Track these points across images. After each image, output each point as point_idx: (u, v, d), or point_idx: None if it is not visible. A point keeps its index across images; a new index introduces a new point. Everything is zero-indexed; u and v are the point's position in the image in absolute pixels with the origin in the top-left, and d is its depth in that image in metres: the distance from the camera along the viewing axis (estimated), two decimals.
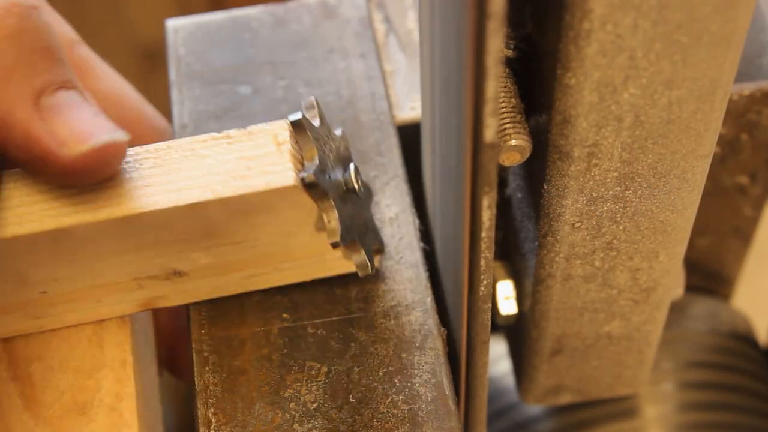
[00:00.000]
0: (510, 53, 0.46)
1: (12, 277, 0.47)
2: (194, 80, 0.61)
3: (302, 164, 0.48)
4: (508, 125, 0.44)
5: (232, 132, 0.48)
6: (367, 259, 0.50)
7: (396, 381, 0.50)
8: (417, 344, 0.51)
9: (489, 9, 0.34)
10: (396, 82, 0.62)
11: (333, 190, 0.48)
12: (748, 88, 0.60)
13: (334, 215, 0.48)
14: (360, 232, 0.50)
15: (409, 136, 0.59)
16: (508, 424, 0.72)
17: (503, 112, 0.45)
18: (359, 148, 0.58)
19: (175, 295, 0.51)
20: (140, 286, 0.50)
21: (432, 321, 0.52)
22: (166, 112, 0.61)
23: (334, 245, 0.48)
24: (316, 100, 0.50)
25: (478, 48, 0.36)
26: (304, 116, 0.48)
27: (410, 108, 0.61)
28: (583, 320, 0.55)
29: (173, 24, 0.64)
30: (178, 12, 0.68)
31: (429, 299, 0.53)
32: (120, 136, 0.45)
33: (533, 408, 0.71)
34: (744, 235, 0.71)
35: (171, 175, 0.47)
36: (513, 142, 0.44)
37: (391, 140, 0.58)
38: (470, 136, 0.39)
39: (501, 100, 0.45)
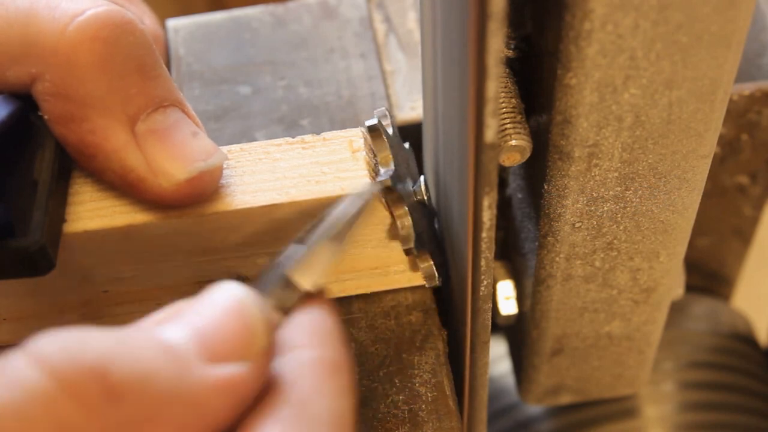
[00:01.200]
0: (510, 53, 0.46)
1: (77, 273, 0.47)
2: (194, 80, 0.61)
3: (376, 172, 0.48)
4: (508, 125, 0.44)
5: (307, 137, 0.48)
6: (434, 269, 0.49)
7: (396, 381, 0.50)
8: (417, 344, 0.51)
9: (489, 9, 0.34)
10: (396, 82, 0.62)
11: (406, 198, 0.48)
12: (748, 88, 0.60)
13: (408, 222, 0.47)
14: (428, 243, 0.50)
15: (409, 136, 0.59)
16: (508, 424, 0.72)
17: (503, 113, 0.45)
18: None
19: None
20: (202, 290, 0.50)
21: (432, 321, 0.52)
22: None
23: (408, 252, 0.48)
24: (387, 110, 0.50)
25: (478, 48, 0.36)
26: (380, 122, 0.48)
27: (410, 108, 0.61)
28: (583, 320, 0.55)
29: (173, 24, 0.64)
30: (179, 12, 0.68)
31: (429, 299, 0.53)
32: (217, 159, 0.44)
33: (533, 408, 0.71)
34: (744, 235, 0.71)
35: (245, 177, 0.46)
36: (513, 143, 0.44)
37: None
38: (472, 136, 0.39)
39: (501, 101, 0.45)
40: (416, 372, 0.51)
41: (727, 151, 0.63)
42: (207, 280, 0.49)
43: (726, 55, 0.41)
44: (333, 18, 0.64)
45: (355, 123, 0.59)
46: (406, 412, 0.49)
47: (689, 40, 0.40)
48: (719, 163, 0.64)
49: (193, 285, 0.49)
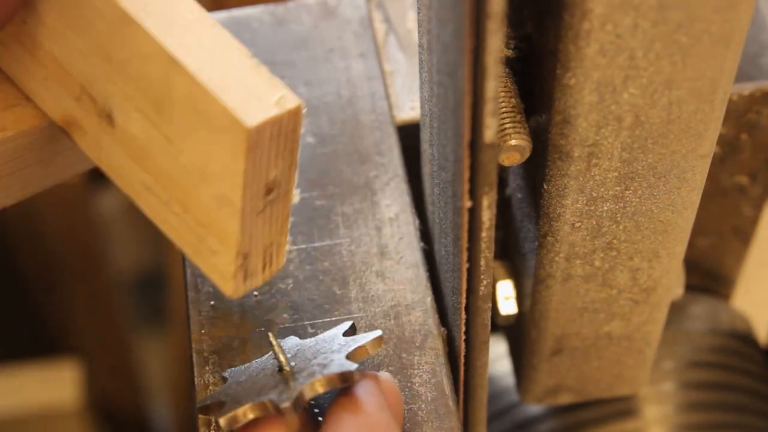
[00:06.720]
0: (510, 53, 0.46)
1: None
2: None
3: None
4: (508, 125, 0.44)
5: None
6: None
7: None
8: (417, 344, 0.51)
9: (489, 9, 0.34)
10: (396, 82, 0.62)
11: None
12: (748, 88, 0.60)
13: None
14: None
15: (409, 136, 0.59)
16: (508, 424, 0.72)
17: (503, 112, 0.45)
18: (359, 148, 0.58)
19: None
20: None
21: (432, 321, 0.52)
22: None
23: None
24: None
25: (477, 48, 0.36)
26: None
27: (410, 108, 0.61)
28: (583, 320, 0.55)
29: None
30: None
31: (429, 299, 0.53)
32: None
33: (533, 408, 0.71)
34: (744, 235, 0.71)
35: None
36: (513, 142, 0.44)
37: (391, 140, 0.59)
38: (468, 135, 0.39)
39: (501, 100, 0.45)
40: (416, 372, 0.51)
41: (727, 151, 0.63)
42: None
43: (726, 55, 0.41)
44: (333, 18, 0.64)
45: (355, 123, 0.59)
46: (405, 412, 0.49)
47: (689, 40, 0.40)
48: (719, 163, 0.64)
49: None
